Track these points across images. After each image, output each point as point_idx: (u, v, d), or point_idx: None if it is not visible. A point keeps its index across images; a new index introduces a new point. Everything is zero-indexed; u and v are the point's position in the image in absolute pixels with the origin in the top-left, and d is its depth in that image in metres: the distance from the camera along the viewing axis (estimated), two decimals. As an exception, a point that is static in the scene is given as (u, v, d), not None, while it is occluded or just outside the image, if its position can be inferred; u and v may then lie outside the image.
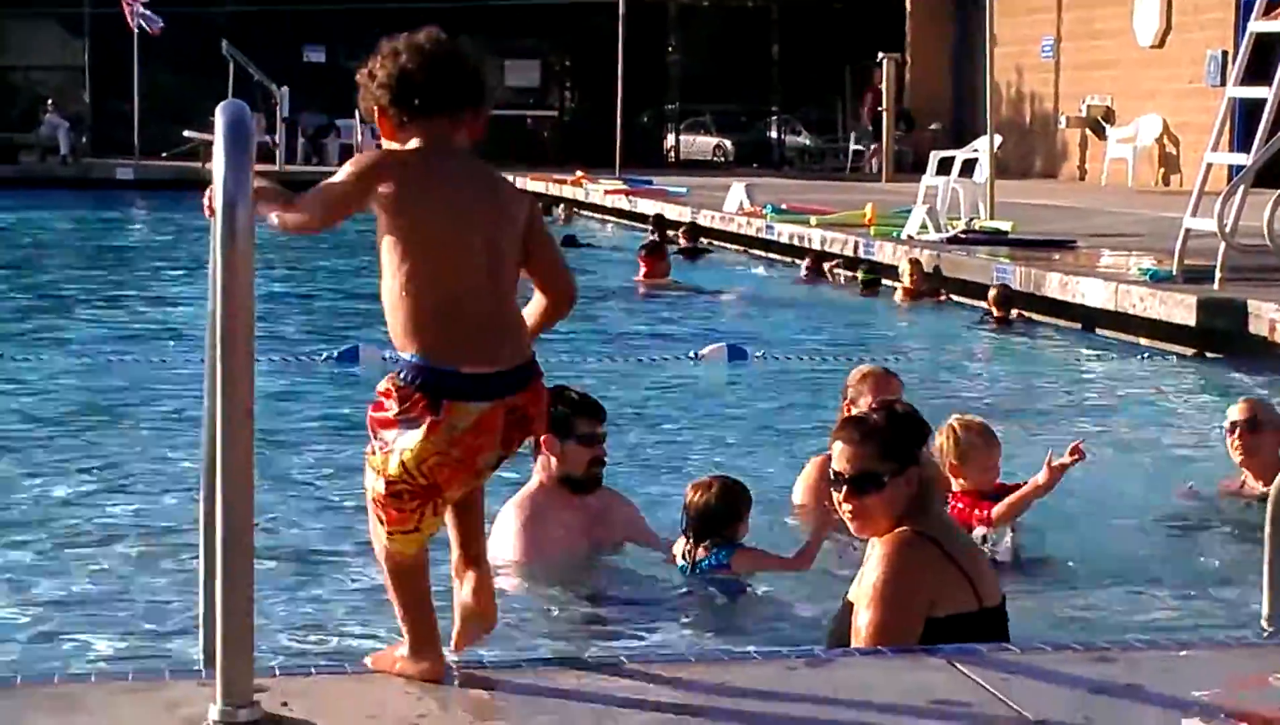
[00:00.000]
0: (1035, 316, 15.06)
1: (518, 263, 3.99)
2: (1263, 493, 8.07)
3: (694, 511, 6.72)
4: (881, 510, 5.02)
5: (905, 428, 5.12)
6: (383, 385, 3.95)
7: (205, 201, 3.76)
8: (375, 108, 4.04)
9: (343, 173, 3.91)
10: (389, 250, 3.89)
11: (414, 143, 4.01)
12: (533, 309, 4.12)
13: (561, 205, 28.77)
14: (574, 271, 4.21)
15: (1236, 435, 8.20)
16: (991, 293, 15.16)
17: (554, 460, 6.88)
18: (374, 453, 3.97)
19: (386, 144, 4.06)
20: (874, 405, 5.42)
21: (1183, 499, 8.39)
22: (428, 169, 3.94)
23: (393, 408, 3.91)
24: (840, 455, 5.12)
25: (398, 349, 3.92)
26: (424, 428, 3.87)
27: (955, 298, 16.71)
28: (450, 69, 3.97)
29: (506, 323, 3.95)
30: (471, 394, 3.88)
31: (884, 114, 20.49)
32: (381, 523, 4.01)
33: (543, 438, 6.74)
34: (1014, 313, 15.02)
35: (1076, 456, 7.02)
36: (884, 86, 31.52)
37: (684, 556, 6.76)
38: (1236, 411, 8.27)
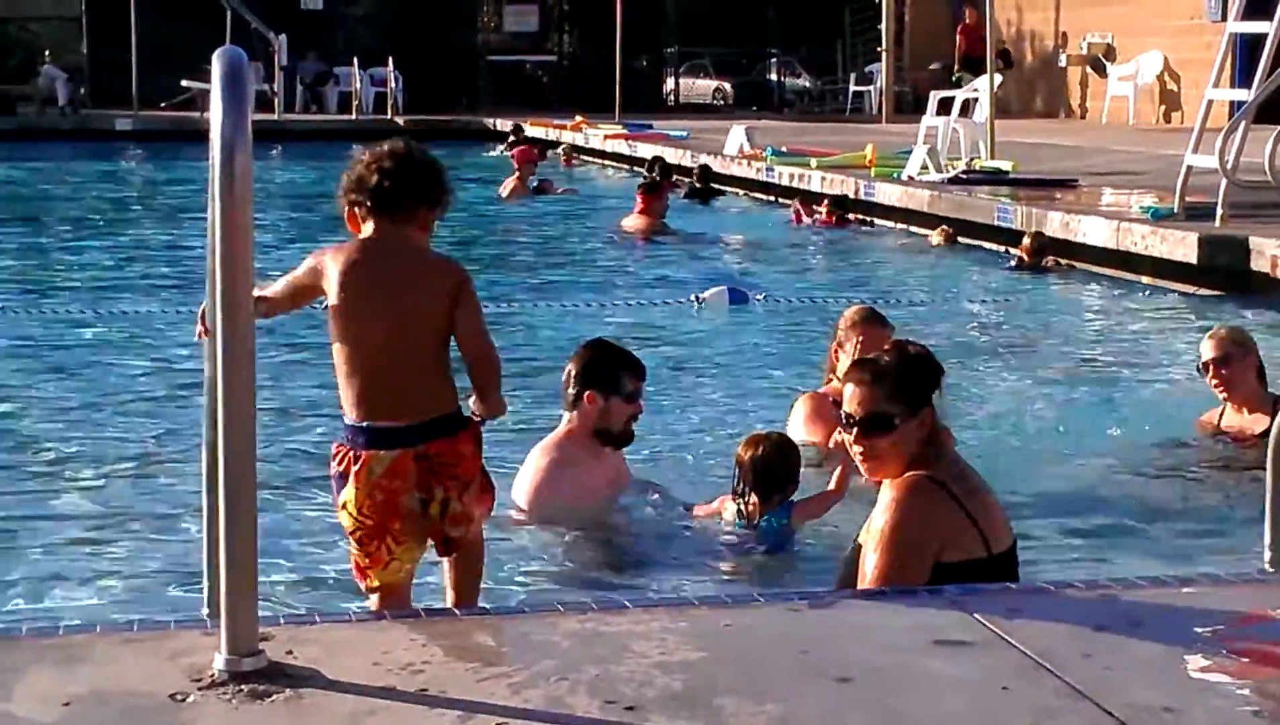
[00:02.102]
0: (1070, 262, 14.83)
1: (438, 333, 4.61)
2: (1244, 425, 8.08)
3: (755, 470, 6.63)
4: (893, 453, 5.01)
5: (917, 369, 5.10)
6: (333, 450, 4.74)
7: (198, 327, 4.44)
8: (345, 207, 4.75)
9: (301, 266, 4.70)
10: (330, 326, 4.66)
11: (367, 232, 4.71)
12: (469, 376, 4.74)
13: (561, 148, 28.74)
14: (491, 344, 4.71)
15: (1211, 373, 8.17)
16: (1025, 241, 14.88)
17: (595, 413, 6.87)
18: (340, 513, 4.73)
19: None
20: (888, 347, 5.37)
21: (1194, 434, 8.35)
22: (356, 258, 4.64)
23: (333, 466, 4.71)
24: (851, 397, 5.10)
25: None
26: (351, 476, 4.63)
27: (961, 239, 16.70)
28: (404, 175, 4.71)
29: (417, 385, 4.60)
30: (383, 444, 4.59)
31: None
32: (363, 570, 4.74)
33: (586, 392, 6.81)
34: (1048, 260, 14.76)
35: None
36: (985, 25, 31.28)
37: (740, 515, 6.69)
38: (1206, 349, 8.20)
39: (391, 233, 4.67)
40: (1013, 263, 14.98)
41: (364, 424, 4.60)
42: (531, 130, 30.97)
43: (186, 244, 16.55)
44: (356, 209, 4.72)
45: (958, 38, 32.07)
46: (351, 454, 4.63)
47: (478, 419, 4.73)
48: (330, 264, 4.63)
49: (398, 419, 4.58)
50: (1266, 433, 7.78)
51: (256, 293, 4.20)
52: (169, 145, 29.08)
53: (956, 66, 31.87)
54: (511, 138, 28.71)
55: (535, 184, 22.54)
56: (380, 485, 4.60)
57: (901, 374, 5.06)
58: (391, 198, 4.67)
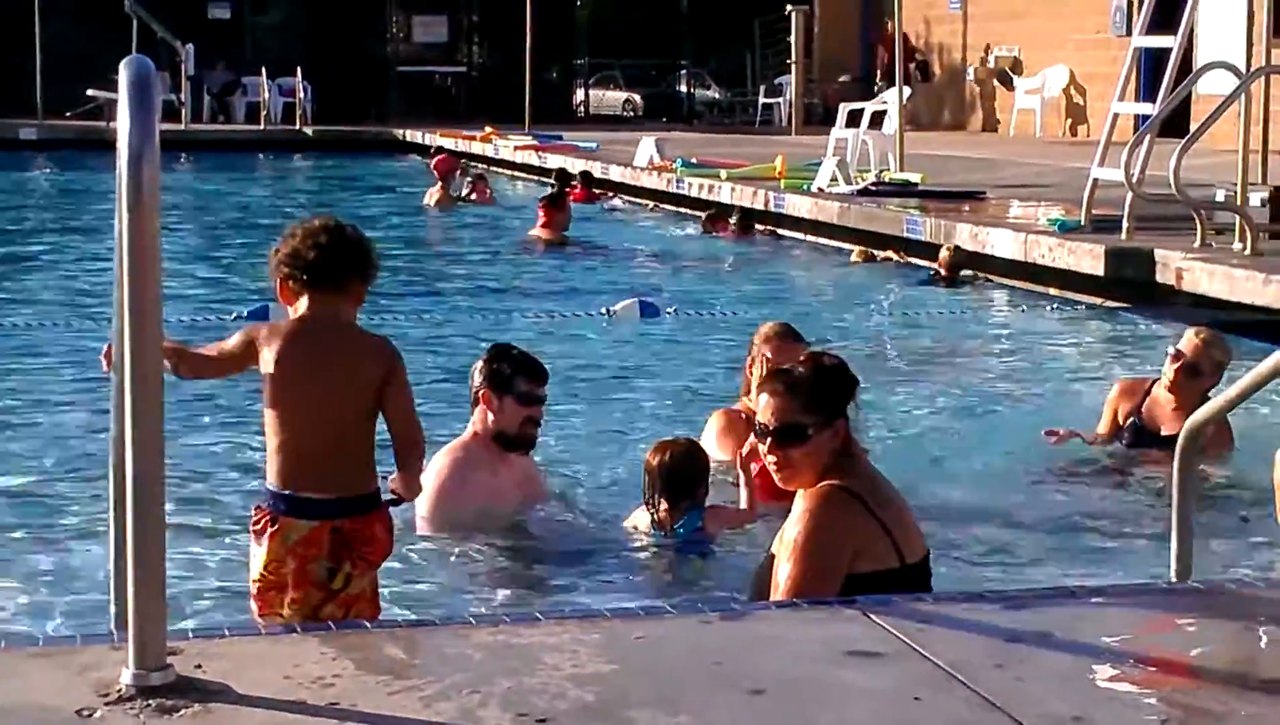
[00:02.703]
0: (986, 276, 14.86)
1: (367, 412, 4.80)
2: (1163, 418, 8.12)
3: (663, 475, 6.64)
4: (806, 463, 5.01)
5: (831, 379, 5.09)
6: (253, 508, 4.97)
7: (104, 357, 4.46)
8: (278, 280, 4.88)
9: (233, 338, 4.92)
10: (263, 393, 4.84)
11: (302, 307, 4.86)
12: (395, 453, 4.91)
13: (462, 174, 27.23)
14: (420, 427, 4.88)
15: (1174, 367, 8.12)
16: (943, 254, 14.88)
17: (490, 415, 6.87)
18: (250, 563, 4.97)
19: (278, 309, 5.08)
20: (804, 358, 5.36)
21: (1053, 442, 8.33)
22: (293, 334, 4.82)
23: (250, 523, 4.94)
24: (765, 407, 5.10)
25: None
26: (267, 537, 4.84)
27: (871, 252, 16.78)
28: (338, 249, 4.84)
29: (341, 461, 4.80)
30: (302, 513, 4.80)
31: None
32: (255, 613, 4.96)
33: (481, 392, 6.80)
34: (965, 274, 14.77)
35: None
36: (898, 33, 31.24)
37: (654, 524, 6.68)
38: (1186, 345, 8.15)
39: (326, 308, 4.83)
40: (929, 276, 14.99)
41: (286, 492, 4.80)
42: (440, 141, 30.89)
43: (93, 254, 16.41)
44: (290, 282, 4.85)
45: (879, 50, 32.31)
46: (269, 517, 4.83)
47: (394, 496, 4.92)
48: (266, 339, 4.83)
49: (319, 492, 4.79)
50: (1172, 438, 7.93)
51: (174, 344, 4.56)
52: (74, 154, 28.79)
53: (879, 77, 32.08)
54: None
55: (464, 190, 22.56)
56: (294, 552, 4.81)
57: (815, 384, 5.06)
58: (327, 271, 4.82)
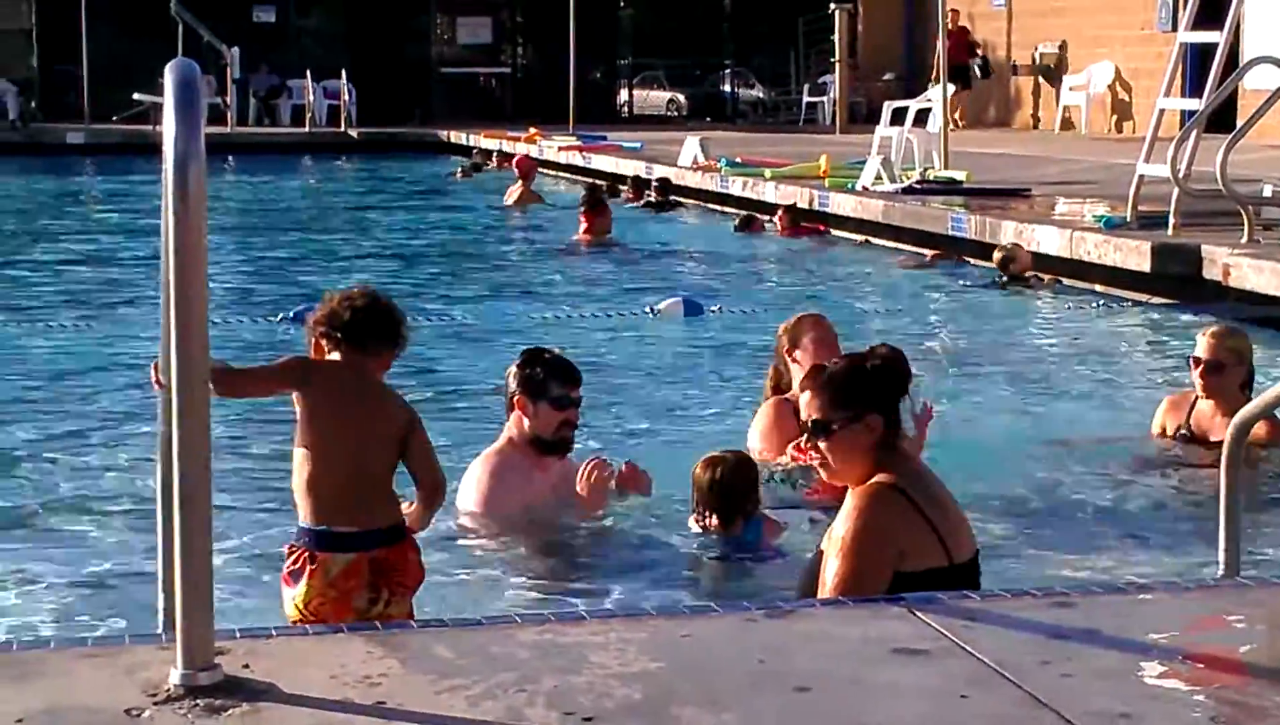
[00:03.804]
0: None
1: (393, 456, 5.02)
2: (1210, 425, 8.09)
3: (713, 491, 6.58)
4: (840, 458, 5.01)
5: (861, 374, 5.08)
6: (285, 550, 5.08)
7: (152, 375, 4.45)
8: (314, 339, 5.11)
9: (276, 362, 5.13)
10: (296, 433, 5.00)
11: (335, 358, 5.09)
12: (417, 496, 5.14)
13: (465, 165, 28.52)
14: (443, 472, 5.15)
15: (1199, 373, 8.13)
16: (996, 255, 14.38)
17: (525, 420, 6.87)
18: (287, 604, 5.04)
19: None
20: (857, 353, 5.35)
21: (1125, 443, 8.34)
22: (331, 376, 5.03)
23: (286, 565, 5.02)
24: (803, 403, 5.15)
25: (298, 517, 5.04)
26: (306, 574, 4.93)
27: (906, 247, 16.74)
28: (374, 313, 5.08)
29: (371, 496, 4.97)
30: (340, 548, 4.92)
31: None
32: None
33: (515, 398, 6.81)
34: (1031, 276, 14.26)
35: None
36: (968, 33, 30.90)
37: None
38: (1200, 347, 8.13)
39: (358, 364, 5.05)
40: (993, 280, 14.43)
41: (322, 528, 4.94)
42: (485, 142, 30.94)
43: (140, 256, 16.49)
44: (324, 342, 5.08)
45: (938, 46, 32.12)
46: (307, 554, 4.95)
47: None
48: (309, 373, 5.04)
49: (355, 525, 4.94)
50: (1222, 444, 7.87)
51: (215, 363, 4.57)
52: (121, 159, 28.92)
53: (934, 76, 31.90)
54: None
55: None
56: (335, 585, 4.93)
57: (843, 379, 5.06)
58: (359, 332, 5.05)
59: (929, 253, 16.25)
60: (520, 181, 22.69)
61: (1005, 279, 14.28)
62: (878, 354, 5.19)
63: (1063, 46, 32.24)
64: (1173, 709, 3.75)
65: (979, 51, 33.02)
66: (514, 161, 24.64)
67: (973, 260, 15.31)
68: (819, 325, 7.82)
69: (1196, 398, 8.22)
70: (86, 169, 30.17)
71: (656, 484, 7.29)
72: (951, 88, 20.91)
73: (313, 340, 5.12)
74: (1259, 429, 7.29)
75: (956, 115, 32.12)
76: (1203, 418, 8.18)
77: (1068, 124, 30.90)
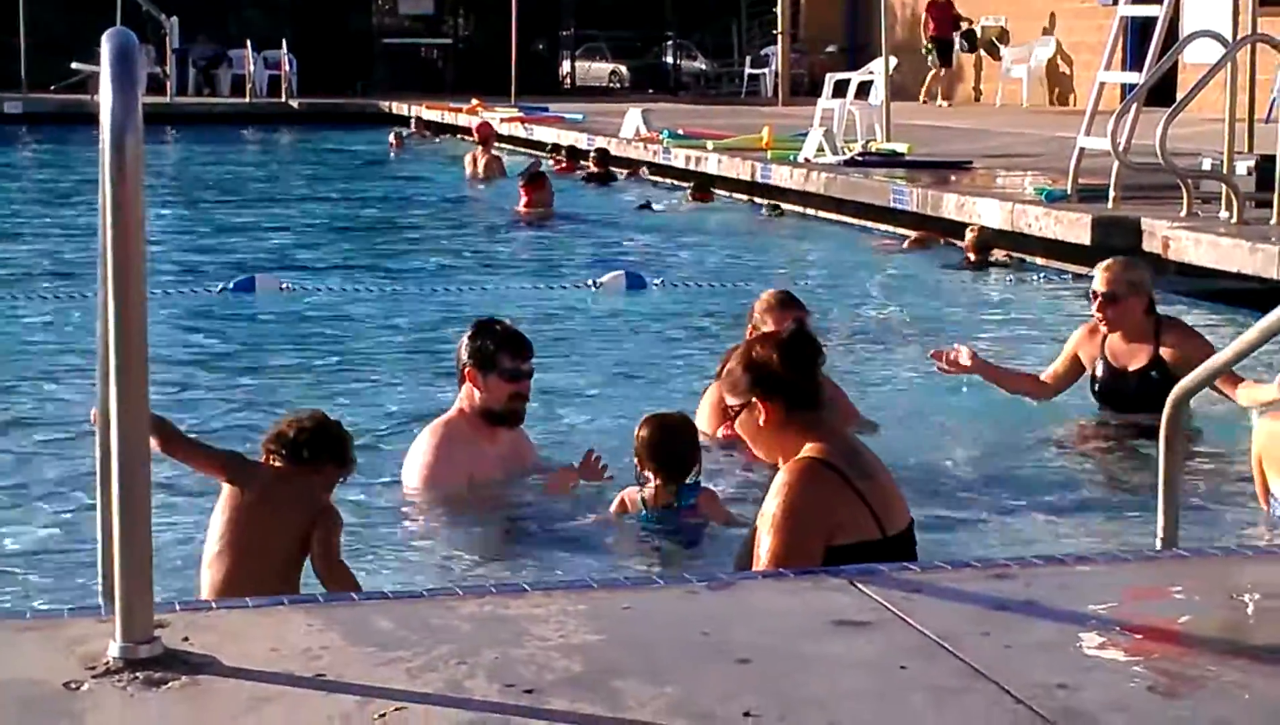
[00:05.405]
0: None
1: (293, 553, 5.33)
2: (1124, 354, 8.23)
3: (655, 449, 6.49)
4: (751, 439, 5.10)
5: (749, 360, 5.07)
6: None
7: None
8: (265, 452, 5.51)
9: (227, 452, 5.62)
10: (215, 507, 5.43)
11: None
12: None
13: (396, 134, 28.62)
14: (347, 569, 5.37)
15: (1096, 307, 8.32)
16: (969, 237, 14.13)
17: (476, 392, 6.86)
18: None
19: None
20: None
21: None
22: (253, 477, 5.44)
23: None
24: None
25: None
26: None
27: (852, 221, 16.76)
28: (316, 433, 5.49)
29: (261, 589, 4.96)
30: None
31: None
32: None
33: (466, 369, 6.79)
34: (994, 255, 14.10)
35: None
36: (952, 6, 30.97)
37: (646, 503, 6.54)
38: (1097, 281, 8.35)
39: (316, 482, 5.45)
40: (959, 262, 14.20)
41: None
42: (427, 114, 30.84)
43: (78, 226, 16.37)
44: (273, 458, 5.47)
45: (924, 17, 32.19)
46: None
47: None
48: (233, 472, 5.47)
49: None
50: (1145, 367, 8.05)
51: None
52: (58, 128, 28.69)
53: (926, 47, 31.95)
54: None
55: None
56: None
57: (737, 366, 5.10)
58: (300, 447, 5.44)
59: (910, 235, 15.62)
60: (481, 147, 22.54)
61: (974, 259, 14.08)
62: (774, 336, 5.24)
63: (1005, 20, 32.33)
64: (1112, 679, 3.77)
65: (962, 25, 32.80)
66: (475, 129, 24.52)
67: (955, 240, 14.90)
68: (783, 306, 7.72)
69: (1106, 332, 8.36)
70: (24, 138, 29.91)
71: (602, 457, 7.28)
72: (879, 60, 20.87)
73: (264, 455, 5.52)
74: (1222, 383, 7.46)
75: (939, 91, 32.15)
76: (1116, 347, 8.33)
77: (1010, 97, 30.99)
